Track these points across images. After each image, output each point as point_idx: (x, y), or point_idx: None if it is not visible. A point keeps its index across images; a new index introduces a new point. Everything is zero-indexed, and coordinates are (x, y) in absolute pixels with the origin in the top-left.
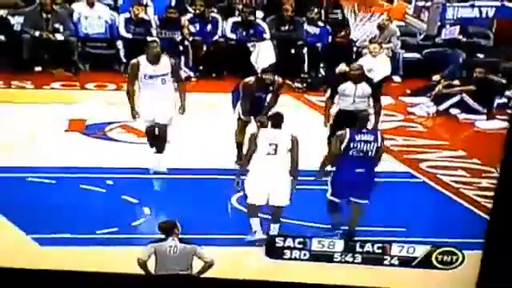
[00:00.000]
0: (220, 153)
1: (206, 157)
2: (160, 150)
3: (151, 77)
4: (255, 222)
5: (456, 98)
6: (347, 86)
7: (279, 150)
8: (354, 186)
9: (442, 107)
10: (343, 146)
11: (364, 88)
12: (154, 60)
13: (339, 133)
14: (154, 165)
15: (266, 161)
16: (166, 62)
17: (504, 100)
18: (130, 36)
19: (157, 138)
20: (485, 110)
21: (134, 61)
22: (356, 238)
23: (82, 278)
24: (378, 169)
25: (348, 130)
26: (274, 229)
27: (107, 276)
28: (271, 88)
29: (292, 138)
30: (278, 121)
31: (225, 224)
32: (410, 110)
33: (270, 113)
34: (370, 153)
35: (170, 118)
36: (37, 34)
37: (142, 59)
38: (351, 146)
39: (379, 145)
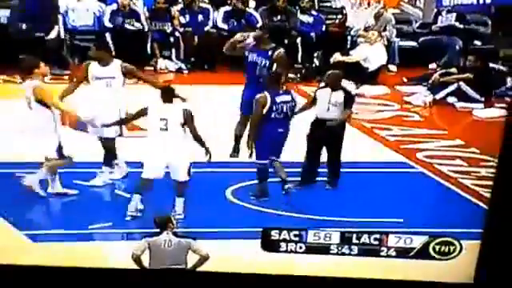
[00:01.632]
0: (213, 146)
1: (199, 150)
2: (107, 163)
3: (98, 78)
4: (137, 198)
5: (453, 87)
6: (323, 92)
7: (169, 124)
8: (277, 145)
9: (438, 96)
10: (265, 110)
11: (338, 96)
12: (102, 62)
13: (258, 96)
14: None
15: (159, 136)
16: (116, 65)
17: (503, 88)
18: (114, 27)
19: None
20: (483, 99)
21: (86, 62)
22: (352, 230)
23: (75, 274)
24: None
25: (267, 92)
26: (179, 203)
27: (101, 271)
28: (270, 53)
29: (184, 112)
30: (168, 95)
31: (220, 217)
32: (407, 100)
33: None
34: (289, 112)
35: (116, 131)
36: (24, 27)
37: (94, 62)
38: (273, 108)
39: (295, 103)
